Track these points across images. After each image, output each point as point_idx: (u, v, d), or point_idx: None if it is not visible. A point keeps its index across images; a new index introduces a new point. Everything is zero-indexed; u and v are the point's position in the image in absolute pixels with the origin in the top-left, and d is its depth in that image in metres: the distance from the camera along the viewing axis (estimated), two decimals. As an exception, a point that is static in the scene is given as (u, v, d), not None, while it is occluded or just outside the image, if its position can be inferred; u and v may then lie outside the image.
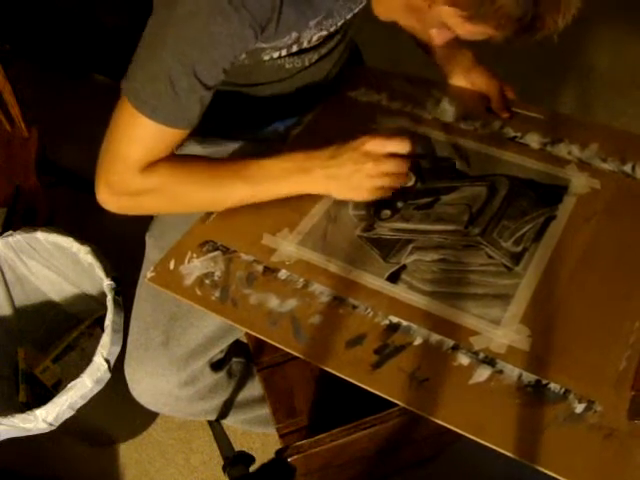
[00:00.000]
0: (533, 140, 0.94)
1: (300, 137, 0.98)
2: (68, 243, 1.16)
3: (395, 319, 0.75)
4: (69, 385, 1.01)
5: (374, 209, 0.86)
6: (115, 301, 1.07)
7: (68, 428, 1.06)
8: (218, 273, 0.81)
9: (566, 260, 0.79)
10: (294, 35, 0.81)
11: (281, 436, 0.92)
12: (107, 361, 1.02)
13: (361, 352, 0.72)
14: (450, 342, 0.72)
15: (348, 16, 0.87)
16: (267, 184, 0.81)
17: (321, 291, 0.78)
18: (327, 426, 0.83)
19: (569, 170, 0.90)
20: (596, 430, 0.64)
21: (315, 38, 0.86)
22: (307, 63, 0.91)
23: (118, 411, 1.21)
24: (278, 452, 0.84)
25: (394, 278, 0.79)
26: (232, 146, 1.02)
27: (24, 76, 1.51)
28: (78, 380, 1.01)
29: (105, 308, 1.07)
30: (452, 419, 0.66)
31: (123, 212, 0.82)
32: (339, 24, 0.87)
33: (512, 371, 0.70)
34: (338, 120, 1.00)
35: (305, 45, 0.86)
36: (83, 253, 1.14)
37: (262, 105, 0.98)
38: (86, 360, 1.04)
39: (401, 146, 0.79)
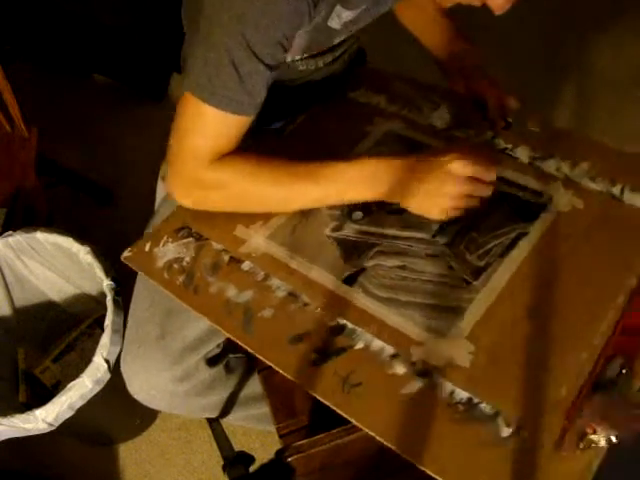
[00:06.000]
0: (523, 154, 0.91)
1: (294, 133, 0.98)
2: (68, 243, 1.16)
3: (342, 321, 0.74)
4: (69, 385, 1.01)
5: (348, 210, 0.86)
6: (115, 301, 1.07)
7: (68, 428, 1.06)
8: (187, 259, 0.82)
9: (527, 280, 0.76)
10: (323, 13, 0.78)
11: (281, 436, 0.91)
12: (107, 361, 1.02)
13: (302, 350, 0.72)
14: (390, 350, 0.71)
15: (368, 21, 0.88)
16: (340, 187, 0.79)
17: (278, 286, 0.78)
18: (327, 426, 0.83)
19: (553, 187, 0.86)
20: (519, 456, 0.62)
21: (336, 41, 0.86)
22: (321, 64, 0.91)
23: (118, 411, 1.21)
24: (278, 452, 0.84)
25: (351, 280, 0.78)
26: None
27: (24, 76, 1.51)
28: (78, 380, 1.01)
29: (105, 308, 1.07)
30: (376, 427, 0.65)
31: (197, 207, 0.82)
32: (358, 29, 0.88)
33: (446, 386, 0.67)
34: (334, 119, 1.00)
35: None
36: (83, 253, 1.14)
37: (266, 105, 0.98)
38: (86, 360, 1.04)
39: (487, 173, 0.76)
